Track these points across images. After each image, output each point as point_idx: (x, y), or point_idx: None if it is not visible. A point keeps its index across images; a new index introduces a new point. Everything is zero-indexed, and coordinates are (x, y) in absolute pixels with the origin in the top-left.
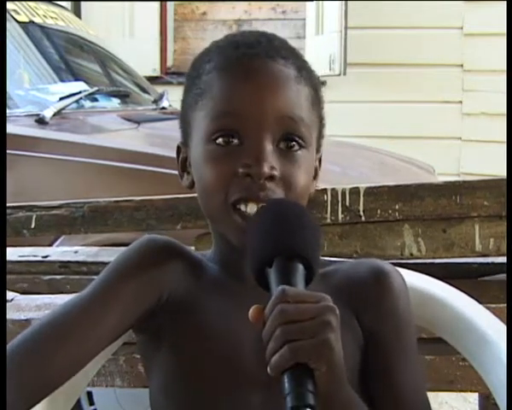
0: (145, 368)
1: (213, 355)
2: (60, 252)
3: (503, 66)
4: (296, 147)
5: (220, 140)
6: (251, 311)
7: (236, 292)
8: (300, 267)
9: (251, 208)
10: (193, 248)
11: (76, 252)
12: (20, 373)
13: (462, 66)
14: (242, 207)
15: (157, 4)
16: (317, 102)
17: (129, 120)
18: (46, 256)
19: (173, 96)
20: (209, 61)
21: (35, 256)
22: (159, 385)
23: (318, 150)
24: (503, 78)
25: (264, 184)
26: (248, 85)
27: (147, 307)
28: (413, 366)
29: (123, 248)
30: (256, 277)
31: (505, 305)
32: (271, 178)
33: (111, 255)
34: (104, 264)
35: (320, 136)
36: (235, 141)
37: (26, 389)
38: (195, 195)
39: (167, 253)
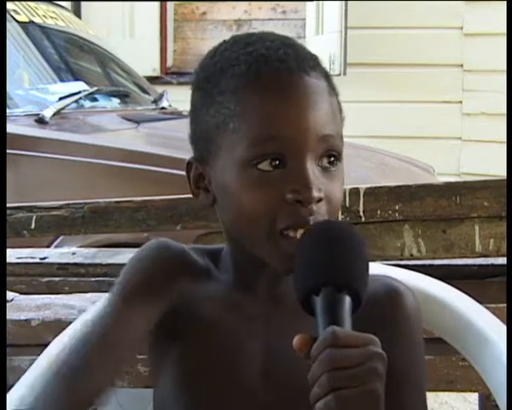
0: (153, 369)
1: (219, 371)
2: (58, 254)
3: (503, 66)
4: (335, 162)
5: (263, 165)
6: (296, 339)
7: (247, 305)
8: (348, 300)
9: (300, 234)
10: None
11: (74, 254)
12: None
13: (462, 66)
14: (291, 234)
15: (157, 4)
16: (340, 108)
17: (129, 119)
18: (44, 258)
19: (173, 96)
20: (233, 76)
21: (33, 258)
22: (165, 390)
23: None
24: (503, 78)
25: (313, 209)
26: (288, 105)
27: (159, 318)
28: (421, 389)
29: (120, 250)
30: (301, 303)
31: (505, 305)
32: (319, 200)
33: (109, 257)
34: (102, 266)
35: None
36: (278, 165)
37: None
38: None
39: (179, 262)
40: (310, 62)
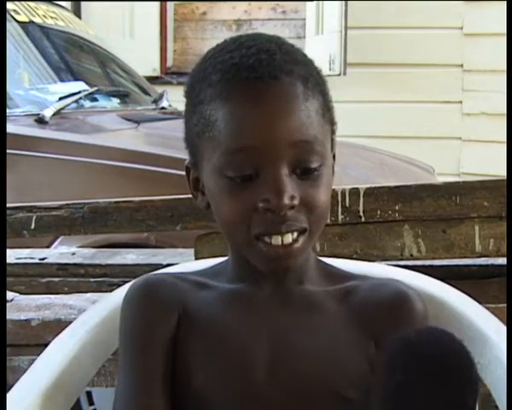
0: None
1: (225, 371)
2: (57, 254)
3: (503, 66)
4: (314, 168)
5: (234, 175)
6: None
7: (253, 305)
8: None
9: (275, 240)
10: (192, 250)
11: (73, 254)
12: None
13: (462, 66)
14: (266, 239)
15: (157, 4)
16: (326, 108)
17: (129, 119)
18: (43, 258)
19: (173, 96)
20: (210, 86)
21: (32, 258)
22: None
23: (332, 149)
24: (503, 78)
25: (286, 216)
26: (256, 115)
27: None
28: None
29: (120, 250)
30: None
31: (505, 305)
32: (292, 207)
33: (108, 257)
34: (102, 266)
35: (333, 137)
36: (250, 175)
37: None
38: None
39: (167, 290)
40: (285, 67)
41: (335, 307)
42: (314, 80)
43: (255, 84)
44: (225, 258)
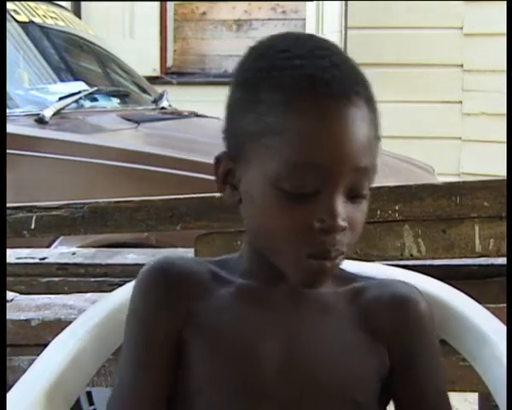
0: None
1: (236, 369)
2: (57, 254)
3: (503, 66)
4: (365, 193)
5: (291, 189)
6: None
7: (267, 303)
8: None
9: (324, 262)
10: (192, 249)
11: (74, 254)
12: None
13: (462, 66)
14: (313, 261)
15: (157, 4)
16: (379, 129)
17: (128, 119)
18: (44, 258)
19: (173, 97)
20: (276, 90)
21: (32, 258)
22: (182, 394)
23: None
24: (503, 78)
25: (336, 238)
26: (326, 134)
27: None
28: (444, 394)
29: (120, 250)
30: None
31: (505, 305)
32: (343, 230)
33: (108, 257)
34: (102, 266)
35: None
36: (308, 191)
37: None
38: (195, 195)
39: (183, 275)
40: (354, 87)
41: (346, 308)
42: (374, 102)
43: (329, 102)
44: (234, 253)
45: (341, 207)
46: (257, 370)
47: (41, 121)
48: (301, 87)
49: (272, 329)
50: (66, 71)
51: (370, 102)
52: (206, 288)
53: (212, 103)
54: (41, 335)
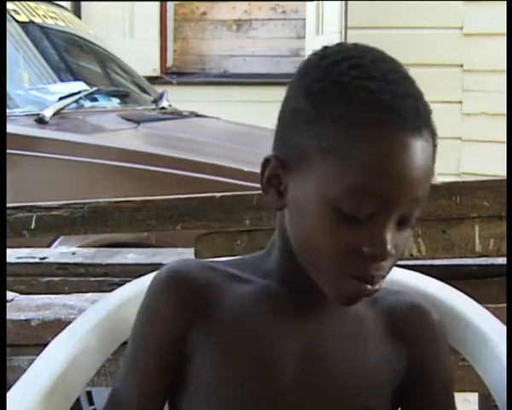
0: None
1: (251, 371)
2: (57, 254)
3: (503, 66)
4: (412, 221)
5: (349, 212)
6: None
7: (288, 306)
8: None
9: (367, 286)
10: (192, 249)
11: (74, 253)
12: None
13: (462, 66)
14: (355, 282)
15: (157, 4)
16: (435, 161)
17: (128, 119)
18: (44, 258)
19: (173, 96)
20: (350, 110)
21: (33, 258)
22: (186, 398)
23: None
24: (503, 78)
25: (382, 264)
26: (395, 166)
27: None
28: (451, 397)
29: (120, 250)
30: None
31: (505, 305)
32: (390, 256)
33: (108, 257)
34: (102, 266)
35: None
36: (363, 216)
37: None
38: (195, 195)
39: (193, 281)
40: (426, 120)
41: (365, 314)
42: (437, 136)
43: (403, 134)
44: (260, 252)
45: (391, 233)
46: (272, 373)
47: (41, 121)
48: (376, 114)
49: (290, 330)
50: (66, 71)
51: (435, 135)
52: (221, 289)
53: (212, 103)
54: (41, 335)
